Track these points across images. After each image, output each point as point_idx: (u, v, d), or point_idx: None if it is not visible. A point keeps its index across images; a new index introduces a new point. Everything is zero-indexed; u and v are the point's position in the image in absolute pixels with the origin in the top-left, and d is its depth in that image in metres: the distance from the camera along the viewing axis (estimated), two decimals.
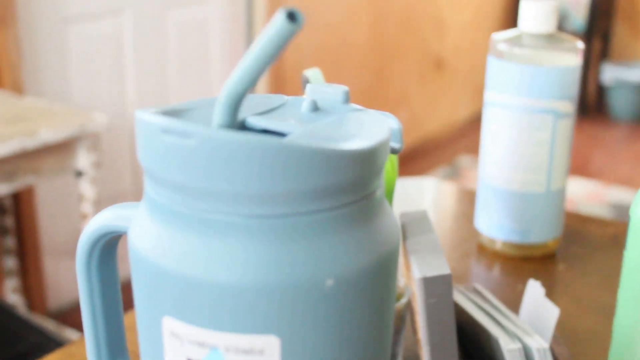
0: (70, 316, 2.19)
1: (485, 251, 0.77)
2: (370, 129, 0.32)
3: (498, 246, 0.75)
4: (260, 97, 0.35)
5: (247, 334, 0.29)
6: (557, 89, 0.69)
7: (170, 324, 0.30)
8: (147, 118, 0.29)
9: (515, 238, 0.74)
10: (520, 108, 0.70)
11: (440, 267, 0.49)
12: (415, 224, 0.57)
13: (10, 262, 2.01)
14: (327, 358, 0.30)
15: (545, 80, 0.69)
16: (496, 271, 0.73)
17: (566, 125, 0.71)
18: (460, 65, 3.63)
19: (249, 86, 0.29)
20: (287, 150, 0.27)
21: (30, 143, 1.50)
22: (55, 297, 2.18)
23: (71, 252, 2.17)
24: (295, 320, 0.29)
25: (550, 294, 0.69)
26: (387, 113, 0.35)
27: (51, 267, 2.14)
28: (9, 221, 1.96)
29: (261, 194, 0.27)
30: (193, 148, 0.27)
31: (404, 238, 0.54)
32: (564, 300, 0.67)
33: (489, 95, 0.73)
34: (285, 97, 0.36)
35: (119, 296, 0.38)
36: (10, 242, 1.98)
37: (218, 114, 0.29)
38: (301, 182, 0.28)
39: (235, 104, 0.29)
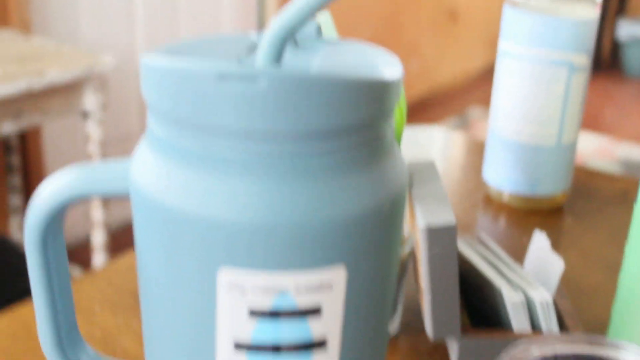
0: (74, 253, 2.20)
1: (492, 203, 0.76)
2: (376, 63, 0.30)
3: (505, 198, 0.75)
4: (229, 37, 0.33)
5: (317, 268, 0.28)
6: (573, 41, 0.68)
7: (228, 276, 0.28)
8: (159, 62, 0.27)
9: (523, 190, 0.73)
10: (535, 59, 0.69)
11: (446, 218, 0.48)
12: (422, 173, 0.56)
13: (16, 200, 2.01)
14: (383, 277, 0.30)
15: (562, 32, 0.67)
16: (502, 223, 0.72)
17: (580, 79, 0.70)
18: (474, 16, 3.58)
19: (303, 22, 0.27)
20: (327, 84, 0.26)
21: (37, 83, 1.49)
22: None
23: None
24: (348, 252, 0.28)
25: (556, 247, 0.68)
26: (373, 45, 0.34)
27: None
28: (16, 159, 1.96)
29: (278, 132, 0.26)
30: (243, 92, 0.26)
31: (410, 187, 0.54)
32: (570, 254, 0.67)
33: (503, 46, 0.71)
34: (252, 35, 0.34)
35: (68, 269, 0.35)
36: (16, 180, 1.99)
37: (265, 51, 0.28)
38: (321, 118, 0.27)
39: (284, 41, 0.28)
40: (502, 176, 0.74)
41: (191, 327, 0.29)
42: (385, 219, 0.29)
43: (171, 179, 0.28)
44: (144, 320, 0.32)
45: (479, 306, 0.57)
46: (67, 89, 1.58)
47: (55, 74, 1.51)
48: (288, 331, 0.28)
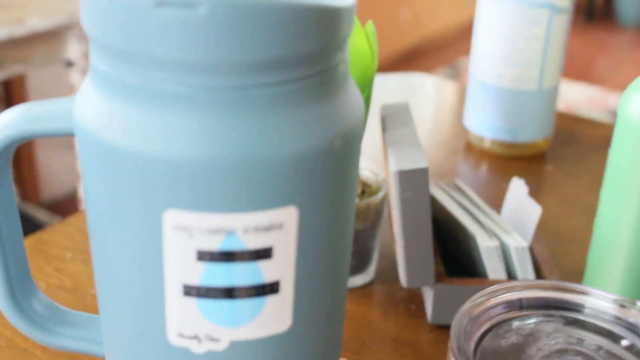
0: (63, 207, 2.19)
1: (473, 150, 0.75)
2: None
3: (486, 144, 0.74)
4: None
5: (267, 209, 0.27)
6: None
7: (174, 217, 0.27)
8: None
9: (504, 136, 0.72)
10: (515, 1, 0.67)
11: (418, 161, 0.47)
12: (395, 116, 0.55)
13: None
14: (337, 219, 0.29)
15: None
16: (483, 170, 0.71)
17: (562, 21, 0.68)
18: None
19: None
20: (273, 10, 0.24)
21: (18, 31, 1.46)
22: (48, 188, 2.18)
23: (65, 144, 2.16)
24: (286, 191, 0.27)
25: (536, 194, 0.67)
26: None
27: (44, 157, 2.13)
28: (1, 110, 1.94)
29: (222, 62, 0.25)
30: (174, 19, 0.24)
31: (383, 130, 0.52)
32: (549, 201, 0.66)
33: None
34: None
35: (17, 214, 0.33)
36: None
37: None
38: (268, 48, 0.25)
39: None
40: (482, 122, 0.73)
41: (138, 272, 0.28)
42: (338, 157, 0.28)
43: (113, 115, 0.27)
44: (94, 267, 0.31)
45: (455, 255, 0.56)
46: (49, 36, 1.55)
47: (36, 21, 1.48)
48: (238, 274, 0.27)
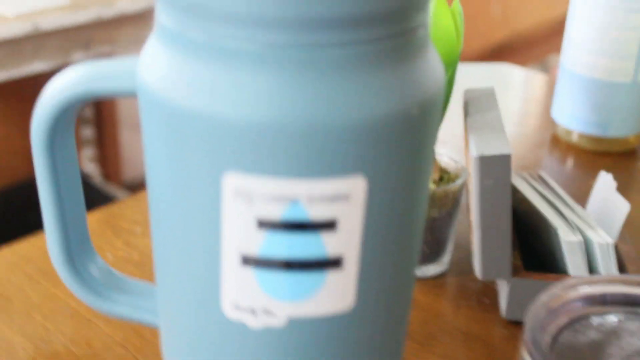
0: (144, 187, 2.23)
1: (559, 143, 0.71)
2: None
3: (574, 138, 0.70)
4: None
5: (333, 178, 0.25)
6: None
7: (235, 181, 0.25)
8: None
9: (593, 130, 0.69)
10: None
11: (500, 147, 0.45)
12: (479, 101, 0.52)
13: (88, 132, 2.04)
14: (408, 193, 0.27)
15: None
16: (569, 164, 0.68)
17: None
18: None
19: None
20: None
21: (107, 12, 1.48)
22: (130, 168, 2.21)
23: None
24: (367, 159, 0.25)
25: (624, 191, 0.64)
26: None
27: (127, 138, 2.16)
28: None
29: (292, 17, 0.23)
30: None
31: (466, 115, 0.50)
32: (638, 200, 0.62)
33: None
34: None
35: (79, 175, 0.32)
36: (87, 111, 2.01)
37: None
38: (342, 2, 0.23)
39: None
40: (571, 114, 0.69)
41: (196, 239, 0.27)
42: (414, 127, 0.26)
43: (178, 73, 0.25)
44: (152, 233, 0.30)
45: (533, 248, 0.54)
46: (137, 18, 1.57)
47: (125, 3, 1.50)
48: (300, 246, 0.26)
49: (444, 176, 0.52)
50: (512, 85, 0.86)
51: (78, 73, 0.29)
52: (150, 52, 0.27)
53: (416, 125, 0.26)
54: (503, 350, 0.46)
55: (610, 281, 0.33)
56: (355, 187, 0.25)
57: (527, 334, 0.30)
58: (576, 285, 0.32)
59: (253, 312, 0.27)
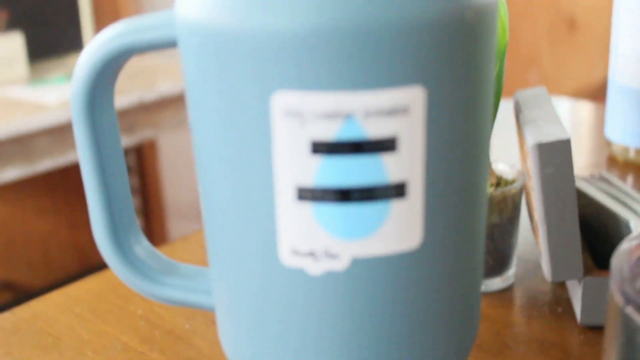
0: None
1: (617, 163, 0.69)
2: None
3: (631, 155, 0.67)
4: None
5: (389, 88, 0.23)
6: None
7: (284, 99, 0.23)
8: None
9: None
10: None
11: (558, 133, 0.43)
12: (531, 99, 0.50)
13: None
14: (470, 111, 0.25)
15: None
16: (629, 182, 0.65)
17: None
18: (594, 25, 3.45)
19: None
20: None
21: (149, 95, 1.51)
22: None
23: (195, 214, 2.19)
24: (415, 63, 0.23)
25: None
26: None
27: (176, 228, 2.17)
28: (134, 180, 2.00)
29: None
30: None
31: (518, 113, 0.48)
32: None
33: None
34: None
35: (121, 146, 0.31)
36: (135, 201, 2.02)
37: None
38: None
39: None
40: (626, 129, 0.67)
41: (247, 175, 0.25)
42: (470, 32, 0.24)
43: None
44: (200, 188, 0.28)
45: (604, 252, 0.50)
46: (178, 100, 1.59)
47: (165, 86, 1.53)
48: (359, 171, 0.24)
49: (501, 181, 0.50)
50: (562, 114, 0.84)
51: (117, 28, 0.28)
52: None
53: (472, 32, 0.24)
54: (583, 356, 0.43)
55: None
56: (414, 98, 0.23)
57: (616, 281, 0.27)
58: None
59: (313, 255, 0.25)
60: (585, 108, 0.86)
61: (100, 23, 1.92)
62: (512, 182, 0.50)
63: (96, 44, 0.28)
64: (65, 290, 0.52)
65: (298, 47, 0.23)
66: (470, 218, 0.27)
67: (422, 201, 0.25)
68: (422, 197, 0.25)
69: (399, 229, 0.25)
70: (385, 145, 0.24)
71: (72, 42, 1.77)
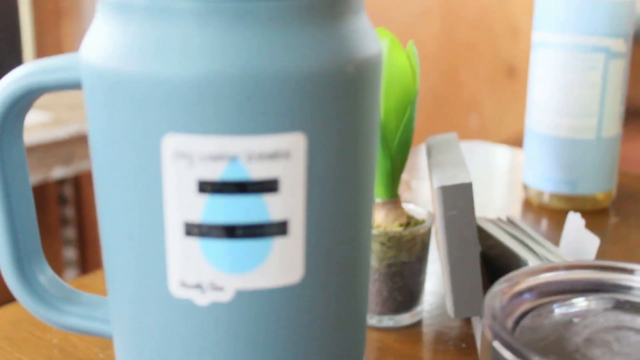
0: None
1: (532, 206, 0.72)
2: None
3: (545, 199, 0.70)
4: None
5: (272, 134, 0.25)
6: (608, 24, 0.65)
7: (173, 142, 0.25)
8: None
9: (563, 189, 0.69)
10: (569, 46, 0.66)
11: (461, 177, 0.45)
12: (441, 145, 0.53)
13: (71, 253, 2.03)
14: (350, 157, 0.27)
15: (596, 15, 0.64)
16: (543, 225, 0.68)
17: (619, 66, 0.66)
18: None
19: None
20: None
21: (84, 127, 1.51)
22: None
23: None
24: (312, 113, 0.25)
25: (600, 246, 0.63)
26: None
27: None
28: (71, 211, 1.99)
29: None
30: None
31: (429, 157, 0.51)
32: (615, 249, 0.62)
33: (536, 37, 0.68)
34: None
35: (29, 181, 0.32)
36: (71, 231, 2.00)
37: None
38: None
39: None
40: (541, 175, 0.70)
41: (139, 210, 0.27)
42: (350, 85, 0.26)
43: (115, 41, 0.26)
44: (99, 221, 0.29)
45: None
46: None
47: None
48: (242, 209, 0.25)
49: (411, 221, 0.52)
50: (478, 157, 0.87)
51: (23, 69, 0.30)
52: (91, 34, 0.28)
53: (353, 83, 0.26)
54: None
55: (571, 267, 0.32)
56: (295, 143, 0.25)
57: (487, 318, 0.29)
58: (535, 272, 0.32)
59: (200, 287, 0.26)
60: (514, 154, 0.89)
61: (43, 56, 1.92)
62: (422, 222, 0.52)
63: (3, 83, 0.30)
64: None
65: (186, 94, 0.24)
66: (352, 255, 0.29)
67: (303, 239, 0.27)
68: (303, 235, 0.27)
69: (280, 264, 0.26)
70: (268, 186, 0.25)
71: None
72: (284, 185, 0.26)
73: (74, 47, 1.89)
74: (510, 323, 0.29)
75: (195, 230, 0.26)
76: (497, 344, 0.28)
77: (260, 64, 0.24)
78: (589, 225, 0.67)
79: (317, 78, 0.25)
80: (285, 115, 0.25)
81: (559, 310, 0.30)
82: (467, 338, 0.50)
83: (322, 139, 0.26)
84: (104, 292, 0.55)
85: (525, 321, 0.30)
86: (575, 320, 0.29)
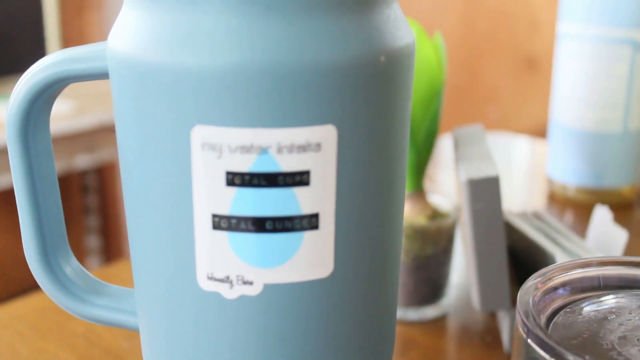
0: None
1: (556, 200, 0.71)
2: None
3: (570, 192, 0.70)
4: None
5: (303, 126, 0.25)
6: (635, 16, 0.64)
7: (202, 133, 0.25)
8: None
9: (587, 182, 0.68)
10: (595, 38, 0.65)
11: (488, 170, 0.45)
12: (468, 137, 0.52)
13: (93, 241, 2.04)
14: (381, 149, 0.27)
15: (622, 6, 0.63)
16: (567, 219, 0.67)
17: None
18: (552, 65, 3.53)
19: None
20: None
21: (109, 116, 1.51)
22: None
23: None
24: (343, 105, 0.25)
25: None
26: None
27: None
28: (94, 200, 2.00)
29: None
30: None
31: (455, 149, 0.50)
32: (635, 252, 0.61)
33: (561, 28, 0.67)
34: None
35: (55, 170, 0.32)
36: (95, 220, 2.01)
37: None
38: None
39: None
40: (565, 168, 0.69)
41: (167, 203, 0.26)
42: (382, 76, 0.26)
43: (144, 31, 0.26)
44: (127, 215, 0.29)
45: None
46: None
47: None
48: (272, 202, 0.25)
49: (436, 213, 0.52)
50: (504, 150, 0.87)
51: (51, 58, 0.29)
52: (119, 23, 0.28)
53: (384, 74, 0.26)
54: None
55: (604, 263, 0.32)
56: (326, 136, 0.25)
57: (521, 314, 0.29)
58: (570, 268, 0.31)
59: (228, 281, 0.26)
60: (537, 146, 0.89)
61: (67, 45, 1.93)
62: (447, 214, 0.51)
63: (31, 72, 0.30)
64: (8, 306, 0.52)
65: (216, 85, 0.24)
66: (383, 249, 0.28)
67: (333, 232, 0.26)
68: (333, 228, 0.26)
69: (310, 258, 0.26)
70: (298, 179, 0.25)
71: (35, 61, 1.77)
72: (314, 178, 0.25)
73: (97, 37, 1.89)
74: (543, 319, 0.29)
75: (223, 222, 0.26)
76: (531, 342, 0.27)
77: (290, 55, 0.24)
78: (614, 220, 0.66)
79: (349, 69, 0.25)
80: (316, 107, 0.24)
81: (592, 307, 0.29)
82: (492, 332, 0.49)
83: (353, 131, 0.25)
84: (129, 282, 0.55)
85: (559, 318, 0.29)
86: (610, 317, 0.29)
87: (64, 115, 1.48)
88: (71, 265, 0.32)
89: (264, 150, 0.25)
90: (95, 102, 1.58)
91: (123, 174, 0.28)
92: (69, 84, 0.30)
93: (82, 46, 0.30)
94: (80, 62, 0.29)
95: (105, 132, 1.55)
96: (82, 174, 1.94)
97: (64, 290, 0.32)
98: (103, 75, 0.29)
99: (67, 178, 1.95)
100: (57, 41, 1.82)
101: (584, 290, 0.31)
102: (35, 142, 0.30)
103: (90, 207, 2.00)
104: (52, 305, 0.52)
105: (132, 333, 0.48)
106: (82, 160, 1.53)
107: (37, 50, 1.79)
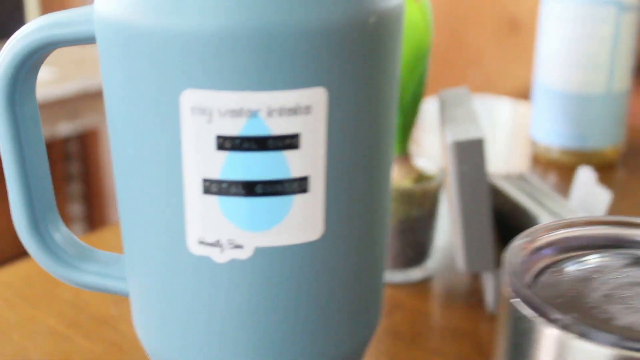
0: None
1: (540, 163, 0.71)
2: None
3: (554, 154, 0.70)
4: None
5: (293, 89, 0.25)
6: None
7: (192, 97, 0.25)
8: None
9: (571, 144, 0.69)
10: None
11: (474, 132, 0.45)
12: (454, 99, 0.53)
13: (76, 209, 2.03)
14: (371, 112, 0.27)
15: None
16: (551, 180, 0.67)
17: (631, 19, 0.65)
18: (536, 27, 3.52)
19: None
20: None
21: (92, 83, 1.50)
22: None
23: None
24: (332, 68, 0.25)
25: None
26: None
27: (116, 214, 2.16)
28: (76, 167, 1.99)
29: None
30: None
31: (441, 111, 0.50)
32: (624, 205, 0.62)
33: None
34: None
35: (42, 137, 0.32)
36: (77, 187, 2.01)
37: None
38: None
39: None
40: (549, 130, 0.70)
41: (157, 167, 0.26)
42: (373, 37, 0.26)
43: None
44: (116, 181, 0.29)
45: None
46: None
47: None
48: (262, 165, 0.25)
49: (422, 176, 0.52)
50: (487, 112, 0.87)
51: (37, 22, 0.29)
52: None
53: (374, 37, 0.26)
54: (491, 343, 0.45)
55: (589, 223, 0.32)
56: (316, 98, 0.25)
57: (507, 274, 0.29)
58: (555, 228, 0.32)
59: (219, 245, 0.26)
60: (520, 108, 0.89)
61: (47, 11, 1.90)
62: (432, 177, 0.52)
63: (16, 37, 0.29)
64: None
65: (204, 48, 0.24)
66: (372, 212, 0.29)
67: (323, 195, 0.26)
68: (323, 192, 0.26)
69: (301, 221, 0.26)
70: (288, 142, 0.25)
71: (16, 28, 1.75)
72: (304, 141, 0.25)
73: (78, 3, 1.87)
74: (528, 279, 0.29)
75: (214, 187, 0.26)
76: (517, 301, 0.27)
77: (279, 17, 0.24)
78: (598, 180, 0.67)
79: (339, 30, 0.25)
80: (305, 70, 0.24)
81: (577, 267, 0.30)
82: (476, 293, 0.50)
83: (343, 93, 0.25)
84: (113, 249, 0.55)
85: (544, 277, 0.30)
86: (594, 276, 0.29)
87: (46, 82, 1.47)
88: (60, 232, 0.32)
89: (253, 114, 0.25)
90: (77, 69, 1.57)
91: (112, 140, 0.28)
92: (55, 49, 0.30)
93: (69, 10, 0.29)
94: (66, 27, 0.28)
95: (87, 99, 1.54)
96: (65, 141, 1.93)
97: (54, 257, 0.32)
98: (90, 40, 0.29)
99: (49, 145, 1.94)
100: (37, 7, 1.80)
101: (568, 250, 0.31)
102: (22, 109, 0.30)
103: (73, 174, 1.99)
104: (39, 272, 0.52)
105: (120, 299, 0.48)
106: (65, 128, 1.52)
107: (17, 18, 1.76)
